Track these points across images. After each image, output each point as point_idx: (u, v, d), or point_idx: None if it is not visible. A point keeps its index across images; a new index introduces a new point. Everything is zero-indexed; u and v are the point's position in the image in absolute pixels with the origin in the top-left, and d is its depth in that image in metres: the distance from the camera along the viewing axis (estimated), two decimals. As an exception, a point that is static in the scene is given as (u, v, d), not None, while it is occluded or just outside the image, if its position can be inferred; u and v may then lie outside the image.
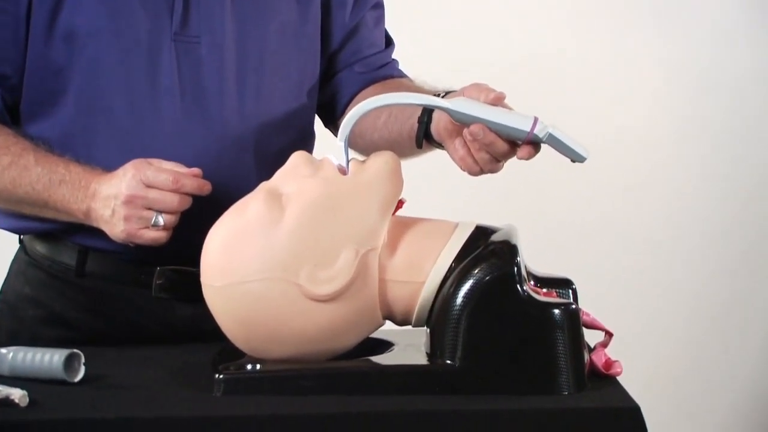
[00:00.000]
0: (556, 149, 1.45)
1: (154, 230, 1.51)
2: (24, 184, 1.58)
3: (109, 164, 1.58)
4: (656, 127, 3.14)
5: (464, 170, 1.50)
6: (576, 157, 1.45)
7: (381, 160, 1.43)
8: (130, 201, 1.51)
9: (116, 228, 1.52)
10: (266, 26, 1.69)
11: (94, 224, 1.56)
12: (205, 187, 1.54)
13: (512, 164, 2.99)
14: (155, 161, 1.53)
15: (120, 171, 1.53)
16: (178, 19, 1.63)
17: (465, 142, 1.47)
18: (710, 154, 3.15)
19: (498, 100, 1.46)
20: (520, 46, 3.03)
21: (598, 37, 3.12)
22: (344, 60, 1.80)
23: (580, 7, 3.12)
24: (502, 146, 1.45)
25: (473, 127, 1.44)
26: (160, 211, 1.51)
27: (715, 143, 3.15)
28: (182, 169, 1.52)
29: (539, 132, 1.43)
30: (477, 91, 1.48)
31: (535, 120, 1.44)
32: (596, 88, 3.09)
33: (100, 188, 1.54)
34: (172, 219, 1.52)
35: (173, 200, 1.51)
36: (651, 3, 3.12)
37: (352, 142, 1.53)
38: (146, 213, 1.51)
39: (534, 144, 1.45)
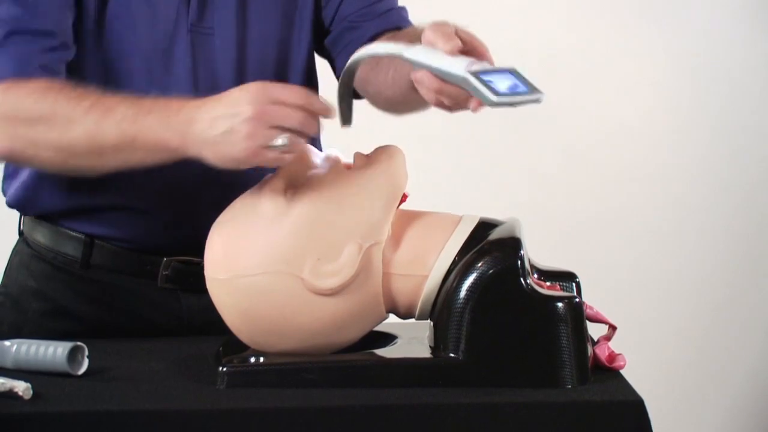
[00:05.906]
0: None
1: (277, 151, 1.38)
2: (109, 125, 1.45)
3: None
4: (657, 121, 3.14)
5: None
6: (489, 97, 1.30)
7: (385, 154, 1.43)
8: (256, 117, 1.36)
9: (234, 147, 1.37)
10: (271, 17, 1.69)
11: (192, 151, 1.41)
12: (332, 112, 1.42)
13: (516, 158, 2.97)
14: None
15: (234, 90, 1.41)
16: (195, 9, 1.63)
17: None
18: (711, 146, 3.15)
19: (453, 53, 1.36)
20: (518, 42, 3.02)
21: (596, 33, 3.12)
22: (343, 19, 1.72)
23: (578, 2, 3.12)
24: (453, 90, 1.36)
25: (416, 75, 1.37)
26: (284, 131, 1.38)
27: (715, 136, 3.15)
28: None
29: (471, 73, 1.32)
30: (434, 35, 1.39)
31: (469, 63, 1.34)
32: (595, 82, 3.09)
33: (203, 110, 1.41)
34: (295, 140, 1.39)
35: (300, 118, 1.38)
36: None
37: (372, 101, 1.47)
38: (270, 132, 1.37)
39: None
